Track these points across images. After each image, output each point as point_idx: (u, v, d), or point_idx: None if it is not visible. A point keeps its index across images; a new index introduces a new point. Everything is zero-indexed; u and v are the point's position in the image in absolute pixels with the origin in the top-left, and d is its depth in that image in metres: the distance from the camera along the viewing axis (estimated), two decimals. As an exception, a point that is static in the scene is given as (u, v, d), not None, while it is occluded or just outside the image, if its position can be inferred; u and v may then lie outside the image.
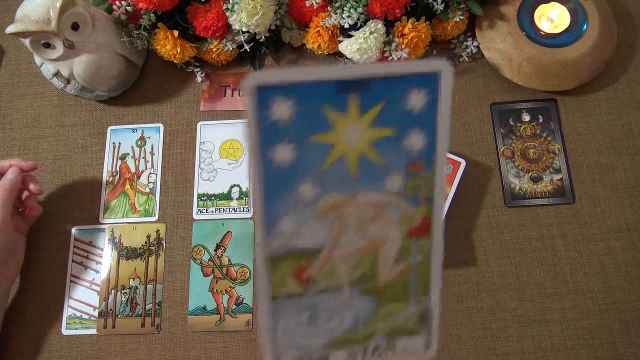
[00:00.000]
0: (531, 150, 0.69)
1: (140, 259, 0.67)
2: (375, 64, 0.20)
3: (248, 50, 0.71)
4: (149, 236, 0.68)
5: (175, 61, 0.71)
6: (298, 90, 0.18)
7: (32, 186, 0.64)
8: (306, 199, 0.20)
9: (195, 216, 0.68)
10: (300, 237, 0.21)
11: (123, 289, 0.66)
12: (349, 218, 0.21)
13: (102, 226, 0.68)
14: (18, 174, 0.62)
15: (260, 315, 0.23)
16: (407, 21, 0.66)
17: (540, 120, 0.70)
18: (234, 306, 0.64)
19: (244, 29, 0.67)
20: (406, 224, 0.21)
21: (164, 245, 0.67)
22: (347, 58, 0.69)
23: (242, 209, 0.68)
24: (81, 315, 0.65)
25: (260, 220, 0.21)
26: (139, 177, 0.71)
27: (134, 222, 0.69)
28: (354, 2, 0.64)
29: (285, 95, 0.18)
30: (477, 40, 0.71)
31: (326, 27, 0.66)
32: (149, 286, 0.66)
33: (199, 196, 0.69)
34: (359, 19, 0.65)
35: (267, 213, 0.20)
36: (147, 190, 0.70)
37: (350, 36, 0.66)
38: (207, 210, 0.68)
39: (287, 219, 0.20)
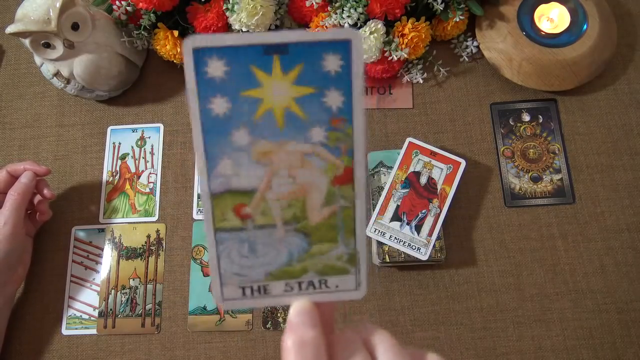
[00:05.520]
0: (531, 150, 0.69)
1: (140, 259, 0.67)
2: (292, 31, 0.26)
3: (248, 50, 0.71)
4: (149, 236, 0.68)
5: (175, 61, 0.71)
6: (228, 53, 0.24)
7: (45, 191, 0.64)
8: (240, 144, 0.25)
9: (195, 216, 0.68)
10: (237, 178, 0.26)
11: (123, 289, 0.66)
12: (279, 164, 0.26)
13: (102, 226, 0.68)
14: (32, 178, 0.61)
15: (207, 244, 0.27)
16: (407, 21, 0.66)
17: (540, 120, 0.70)
18: (234, 306, 0.64)
19: (244, 29, 0.67)
20: (331, 173, 0.26)
21: (164, 245, 0.67)
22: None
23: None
24: (81, 315, 0.65)
25: (202, 161, 0.26)
26: (139, 177, 0.71)
27: (134, 222, 0.69)
28: (354, 2, 0.64)
29: (217, 57, 0.24)
30: (477, 40, 0.71)
31: (326, 27, 0.66)
32: (149, 286, 0.66)
33: (199, 196, 0.69)
34: (359, 19, 0.65)
35: (208, 154, 0.25)
36: (147, 190, 0.70)
37: (350, 36, 0.66)
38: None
39: (225, 162, 0.26)
